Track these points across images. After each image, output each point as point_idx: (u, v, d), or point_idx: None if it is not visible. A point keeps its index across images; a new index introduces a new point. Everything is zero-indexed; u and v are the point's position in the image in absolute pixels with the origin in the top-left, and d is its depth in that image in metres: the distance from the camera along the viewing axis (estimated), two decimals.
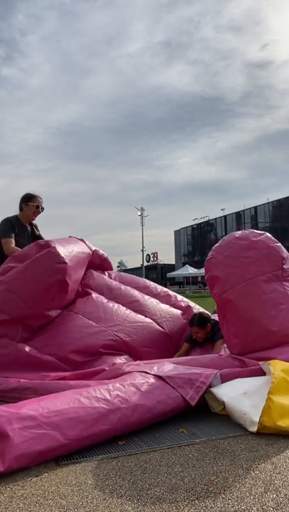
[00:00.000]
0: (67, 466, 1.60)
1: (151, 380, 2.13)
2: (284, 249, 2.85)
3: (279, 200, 51.16)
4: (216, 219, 60.96)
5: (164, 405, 2.00)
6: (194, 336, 3.56)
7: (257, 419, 1.85)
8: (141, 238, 52.33)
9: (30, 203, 3.71)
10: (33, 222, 3.88)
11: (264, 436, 1.83)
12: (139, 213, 52.93)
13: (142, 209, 52.95)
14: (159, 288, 4.35)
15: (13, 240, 3.60)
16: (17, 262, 3.19)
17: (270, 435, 1.83)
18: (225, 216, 58.58)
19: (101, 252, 4.09)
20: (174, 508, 1.25)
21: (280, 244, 2.88)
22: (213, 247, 2.99)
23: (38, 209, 3.75)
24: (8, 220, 3.66)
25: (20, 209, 3.74)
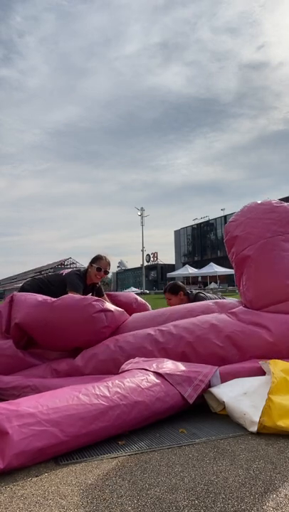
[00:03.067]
0: (67, 466, 1.60)
1: (151, 376, 2.13)
2: None
3: (279, 200, 51.08)
4: (216, 219, 61.02)
5: (162, 402, 2.00)
6: (168, 303, 3.72)
7: (257, 419, 1.85)
8: (141, 238, 52.35)
9: (94, 264, 3.55)
10: (97, 285, 3.70)
11: (264, 436, 1.83)
12: (139, 213, 52.98)
13: (142, 209, 52.98)
14: None
15: None
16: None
17: (270, 435, 1.83)
18: (225, 216, 58.60)
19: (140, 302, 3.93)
20: (174, 508, 1.25)
21: None
22: (235, 213, 3.19)
23: (99, 272, 3.55)
24: (78, 274, 3.49)
25: (88, 267, 3.59)
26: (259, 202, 3.11)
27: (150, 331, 2.75)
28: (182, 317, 2.87)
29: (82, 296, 2.99)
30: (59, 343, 2.91)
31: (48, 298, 2.96)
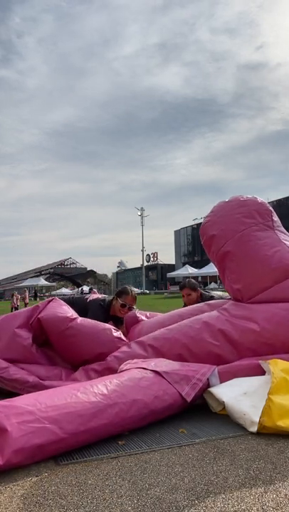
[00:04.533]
0: (67, 466, 1.60)
1: (149, 375, 2.13)
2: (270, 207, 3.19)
3: (279, 200, 51.19)
4: None
5: (161, 401, 2.00)
6: (185, 300, 3.72)
7: (257, 419, 1.85)
8: (141, 238, 52.40)
9: (119, 299, 3.44)
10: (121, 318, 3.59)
11: (264, 436, 1.83)
12: (139, 213, 53.05)
13: (142, 209, 53.04)
14: None
15: None
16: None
17: (270, 435, 1.83)
18: None
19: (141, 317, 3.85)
20: (174, 508, 1.25)
21: (266, 202, 3.22)
22: (206, 215, 3.27)
23: (124, 308, 3.44)
24: (101, 305, 3.43)
25: (113, 299, 3.52)
26: (226, 200, 3.21)
27: (144, 338, 2.78)
28: (176, 322, 2.88)
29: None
30: (68, 353, 2.94)
31: (76, 315, 3.02)
